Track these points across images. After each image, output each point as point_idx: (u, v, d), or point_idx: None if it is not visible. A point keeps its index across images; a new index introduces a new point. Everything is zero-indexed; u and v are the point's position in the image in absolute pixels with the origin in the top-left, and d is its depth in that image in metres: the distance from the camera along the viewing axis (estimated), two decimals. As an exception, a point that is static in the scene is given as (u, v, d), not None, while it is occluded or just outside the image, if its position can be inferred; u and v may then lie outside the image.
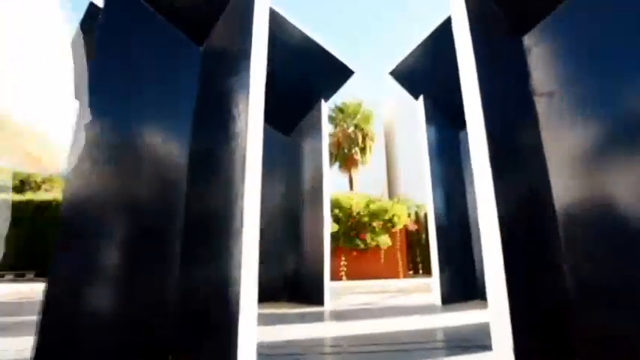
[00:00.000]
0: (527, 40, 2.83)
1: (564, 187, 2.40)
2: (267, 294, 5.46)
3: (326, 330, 3.31)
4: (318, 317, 4.07)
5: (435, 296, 5.16)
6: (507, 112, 2.45)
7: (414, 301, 5.74)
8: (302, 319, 3.84)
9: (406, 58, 5.86)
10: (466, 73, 2.49)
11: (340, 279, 12.36)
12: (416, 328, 3.34)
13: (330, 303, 4.99)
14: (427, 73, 5.92)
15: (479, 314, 4.29)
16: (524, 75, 2.67)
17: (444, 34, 5.36)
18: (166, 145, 2.67)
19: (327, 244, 5.28)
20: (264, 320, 3.65)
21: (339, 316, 4.18)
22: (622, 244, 1.96)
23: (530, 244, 2.32)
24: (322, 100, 5.95)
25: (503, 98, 2.46)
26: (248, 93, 2.30)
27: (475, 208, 6.23)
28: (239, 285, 2.05)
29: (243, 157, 2.11)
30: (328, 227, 5.41)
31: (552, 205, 2.40)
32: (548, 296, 2.27)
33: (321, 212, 5.41)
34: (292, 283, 5.65)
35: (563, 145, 2.49)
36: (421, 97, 5.90)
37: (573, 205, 2.32)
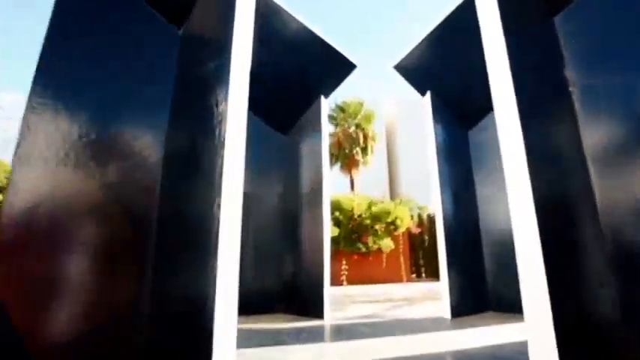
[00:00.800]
0: (559, 21, 2.44)
1: (606, 187, 2.03)
2: (261, 305, 5.07)
3: (324, 355, 2.91)
4: (317, 335, 3.67)
5: (444, 307, 4.76)
6: (542, 106, 2.06)
7: (421, 313, 5.33)
8: (298, 337, 3.44)
9: (412, 51, 5.46)
10: (494, 62, 2.12)
11: (341, 284, 11.96)
12: (430, 351, 2.93)
13: (330, 315, 4.59)
14: (435, 67, 5.52)
15: (496, 330, 3.89)
16: (558, 63, 2.28)
17: (453, 25, 4.98)
18: (138, 140, 2.28)
19: (327, 249, 4.88)
20: (254, 339, 3.25)
21: (340, 332, 3.79)
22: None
23: (573, 252, 2.00)
24: (322, 97, 5.55)
25: (537, 90, 2.07)
26: (229, 83, 1.91)
27: (486, 212, 5.88)
28: (213, 299, 1.69)
29: (222, 155, 1.72)
30: (328, 231, 5.01)
31: (595, 208, 2.03)
32: (595, 311, 1.95)
33: (320, 215, 5.02)
34: (290, 293, 5.25)
35: (604, 142, 2.12)
36: (428, 94, 5.50)
37: (617, 209, 1.96)
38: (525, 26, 2.28)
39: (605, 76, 2.19)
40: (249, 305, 4.80)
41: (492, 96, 2.10)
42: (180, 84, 2.41)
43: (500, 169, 5.55)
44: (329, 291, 4.69)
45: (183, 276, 2.11)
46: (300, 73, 5.35)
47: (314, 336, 3.59)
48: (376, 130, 23.06)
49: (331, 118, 21.99)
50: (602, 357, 1.84)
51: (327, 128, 5.55)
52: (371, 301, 6.85)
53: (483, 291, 5.40)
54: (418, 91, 5.67)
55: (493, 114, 5.69)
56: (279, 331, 3.71)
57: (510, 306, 5.05)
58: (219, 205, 1.80)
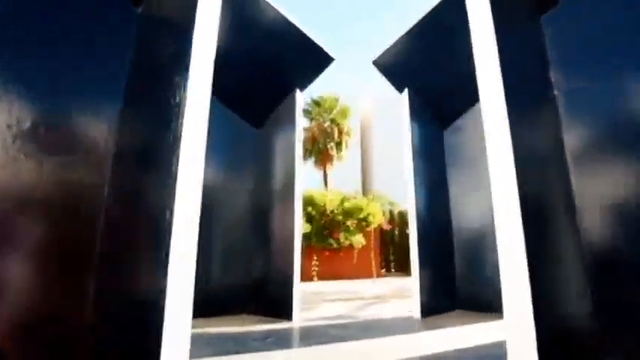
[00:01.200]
0: (545, 21, 2.36)
1: (586, 190, 2.01)
2: (228, 305, 4.84)
3: (292, 360, 2.75)
4: (284, 339, 3.50)
5: (414, 306, 4.71)
6: (529, 106, 1.97)
7: (392, 312, 5.29)
8: (264, 342, 3.26)
9: (391, 47, 5.34)
10: (483, 61, 2.01)
11: (312, 279, 11.86)
12: (401, 357, 2.83)
13: (299, 315, 4.42)
14: (413, 64, 5.43)
15: (467, 331, 3.89)
16: (544, 63, 2.20)
17: (433, 22, 4.89)
18: (86, 132, 1.99)
19: (298, 246, 4.70)
20: (213, 345, 3.03)
21: (309, 336, 3.64)
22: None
23: (554, 254, 1.98)
24: (297, 90, 5.33)
25: (524, 89, 1.98)
26: (189, 70, 1.68)
27: (457, 212, 5.91)
28: (163, 301, 1.50)
29: (179, 149, 1.49)
30: (300, 227, 4.84)
31: (574, 210, 2.00)
32: (574, 314, 1.94)
33: (292, 211, 4.82)
34: (259, 293, 5.04)
35: (581, 145, 2.09)
36: (405, 91, 5.41)
37: (591, 211, 1.96)
38: (515, 24, 2.18)
39: (584, 80, 2.14)
40: (214, 306, 4.56)
41: (480, 95, 1.99)
42: (136, 69, 2.13)
43: (474, 170, 5.62)
44: (299, 290, 4.53)
45: (132, 277, 1.89)
46: (275, 64, 5.11)
47: (281, 341, 3.41)
48: (351, 125, 23.03)
49: (306, 112, 21.72)
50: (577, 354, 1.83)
51: (301, 122, 5.35)
52: (342, 299, 6.77)
53: (453, 290, 5.43)
54: (396, 88, 5.58)
55: (468, 114, 5.78)
56: (243, 335, 3.51)
57: (478, 305, 5.11)
58: (173, 202, 1.58)
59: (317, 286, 9.60)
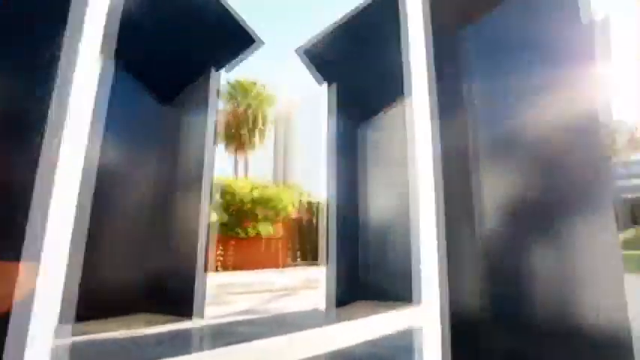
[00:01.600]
0: (468, 33, 2.51)
1: (483, 192, 2.28)
2: (122, 304, 4.25)
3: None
4: (183, 341, 3.18)
5: (323, 298, 4.76)
6: (451, 111, 2.06)
7: (301, 304, 5.28)
8: (159, 346, 2.90)
9: (317, 38, 5.27)
10: (411, 64, 2.06)
11: (216, 270, 11.31)
12: (312, 354, 2.77)
13: (204, 312, 4.09)
14: (339, 58, 5.44)
15: (374, 321, 4.05)
16: (463, 72, 2.33)
17: (363, 18, 4.94)
18: None
19: (204, 238, 4.33)
20: (100, 351, 2.60)
21: (213, 335, 3.38)
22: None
23: (461, 249, 2.20)
24: (214, 69, 4.90)
25: (449, 96, 2.07)
26: (66, 22, 1.31)
27: (366, 206, 6.16)
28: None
29: (50, 121, 1.15)
30: (206, 216, 4.44)
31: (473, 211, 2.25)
32: (475, 306, 2.17)
33: (198, 198, 4.43)
34: (158, 289, 4.52)
35: (486, 151, 2.33)
36: (325, 85, 5.42)
37: (487, 213, 2.26)
38: (443, 34, 2.26)
39: (487, 91, 2.35)
40: (105, 306, 3.97)
41: (406, 98, 2.03)
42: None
43: (386, 166, 5.91)
44: (204, 284, 4.19)
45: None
46: (192, 37, 4.60)
47: (181, 342, 3.09)
48: (273, 114, 22.60)
49: (227, 95, 20.60)
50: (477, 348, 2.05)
51: (217, 104, 4.93)
52: (249, 292, 6.56)
53: (358, 281, 5.66)
54: (318, 80, 5.52)
55: (384, 114, 6.04)
56: (133, 341, 3.06)
57: (380, 295, 5.43)
58: (34, 181, 1.22)
59: (223, 277, 9.18)
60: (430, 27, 2.12)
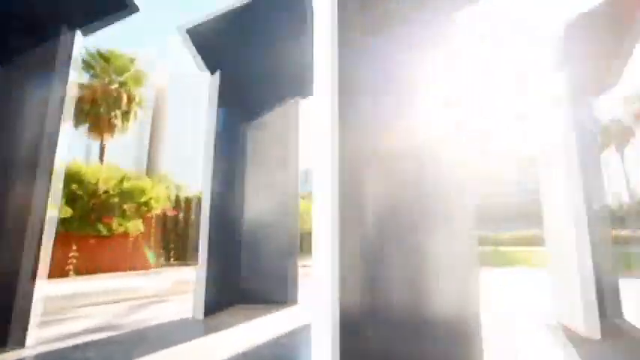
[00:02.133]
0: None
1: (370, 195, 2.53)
2: None
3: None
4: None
5: (196, 305, 4.34)
6: (356, 115, 2.13)
7: (171, 313, 4.70)
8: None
9: (207, 22, 4.82)
10: (319, 67, 2.03)
11: (66, 276, 9.40)
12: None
13: (33, 335, 3.18)
14: (227, 46, 5.08)
15: (252, 328, 3.88)
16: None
17: (262, 9, 4.70)
18: None
19: (36, 236, 3.40)
20: None
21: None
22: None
23: (355, 250, 2.30)
24: (70, 31, 3.98)
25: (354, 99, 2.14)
26: None
27: (249, 207, 5.93)
28: None
29: None
30: (43, 210, 3.50)
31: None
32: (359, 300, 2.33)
33: (33, 187, 3.51)
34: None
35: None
36: (208, 73, 5.01)
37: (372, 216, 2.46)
38: (352, 43, 2.31)
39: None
40: None
41: (305, 98, 1.99)
42: None
43: (270, 167, 5.81)
44: (29, 298, 3.24)
45: None
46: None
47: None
48: (144, 95, 20.07)
49: (88, 65, 17.37)
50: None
51: (72, 74, 4.01)
52: (107, 302, 5.60)
53: (236, 285, 5.41)
54: (199, 67, 5.06)
55: (270, 113, 5.93)
56: None
57: (256, 298, 5.30)
58: None
59: (75, 285, 7.64)
60: (337, 36, 2.14)
